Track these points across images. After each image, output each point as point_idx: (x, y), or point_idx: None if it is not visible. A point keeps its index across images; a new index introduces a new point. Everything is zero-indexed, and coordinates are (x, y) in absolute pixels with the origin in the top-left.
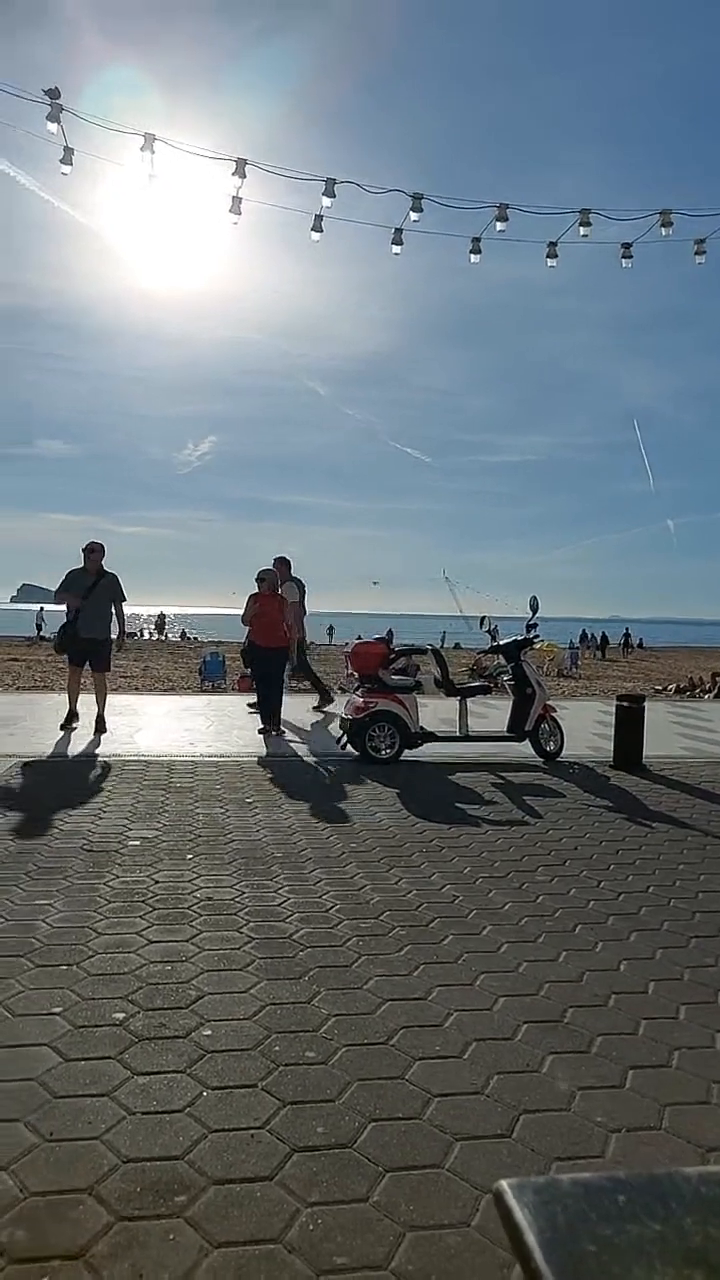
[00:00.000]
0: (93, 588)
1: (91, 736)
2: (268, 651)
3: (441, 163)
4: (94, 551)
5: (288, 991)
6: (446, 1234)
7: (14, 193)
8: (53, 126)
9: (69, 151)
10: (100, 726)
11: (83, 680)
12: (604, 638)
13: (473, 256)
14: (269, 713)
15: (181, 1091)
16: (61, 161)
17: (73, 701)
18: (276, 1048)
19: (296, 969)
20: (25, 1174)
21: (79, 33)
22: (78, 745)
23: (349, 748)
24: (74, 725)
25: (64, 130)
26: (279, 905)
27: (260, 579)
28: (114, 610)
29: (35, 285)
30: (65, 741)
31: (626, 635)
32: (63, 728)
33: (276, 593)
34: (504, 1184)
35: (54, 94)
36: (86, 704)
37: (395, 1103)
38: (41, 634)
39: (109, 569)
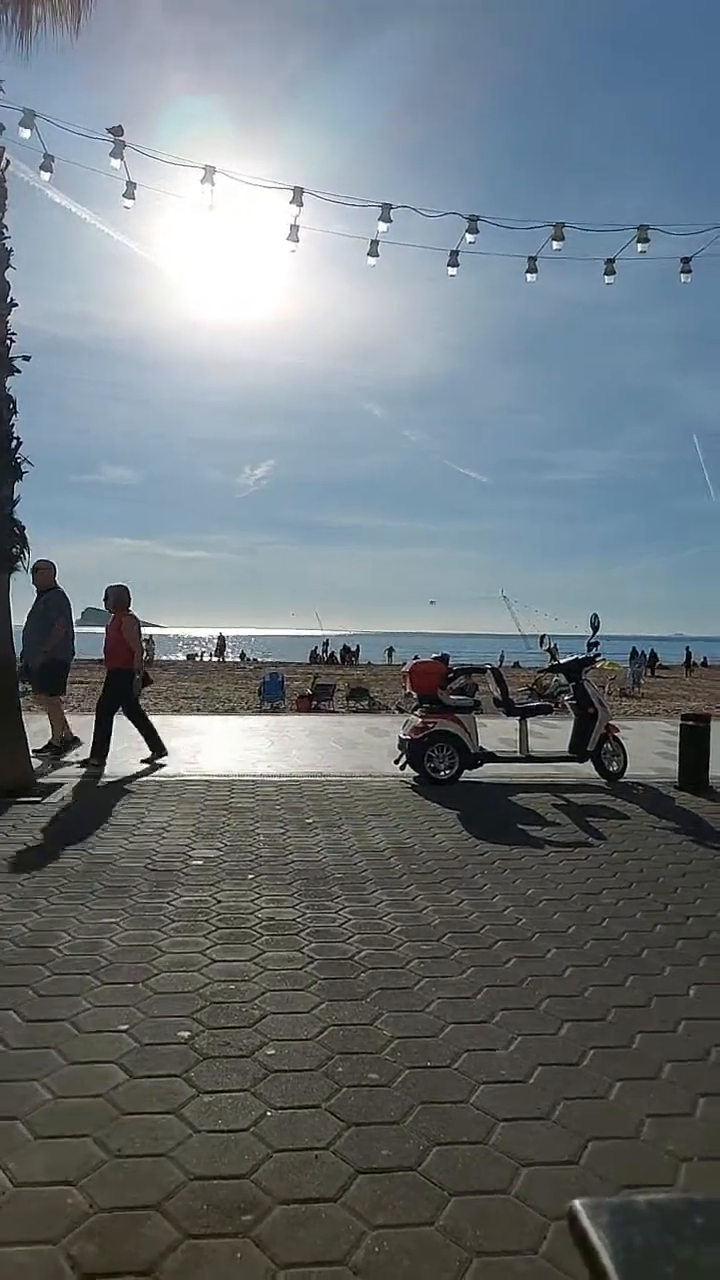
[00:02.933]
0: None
1: (150, 756)
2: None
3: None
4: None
5: (350, 1012)
6: (514, 1261)
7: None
8: (116, 162)
9: (131, 186)
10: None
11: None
12: (653, 655)
13: (528, 276)
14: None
15: (246, 1111)
16: (125, 196)
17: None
18: (339, 1069)
19: (359, 990)
20: (94, 1189)
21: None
22: (140, 765)
23: (407, 768)
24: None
25: (126, 166)
26: (340, 926)
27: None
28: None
29: (99, 316)
30: (127, 761)
31: (689, 654)
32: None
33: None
34: (578, 1204)
35: (117, 131)
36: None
37: (460, 1127)
38: None
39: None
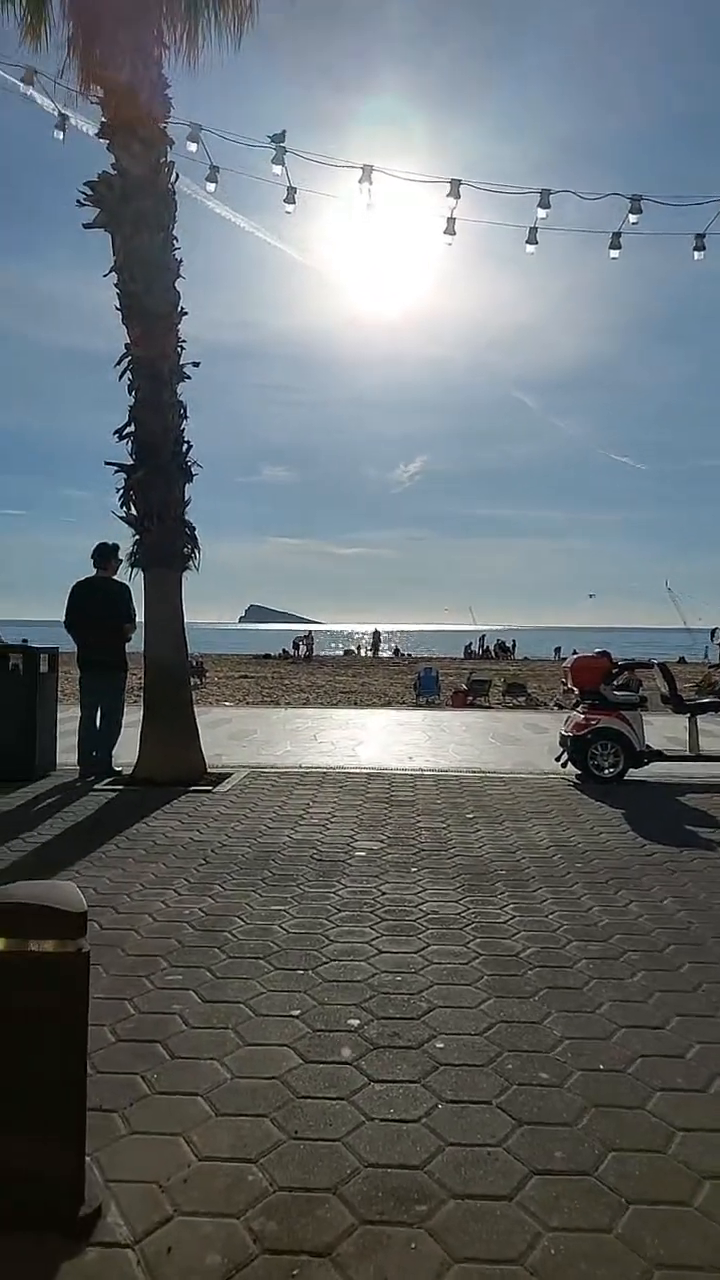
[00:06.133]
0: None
1: (312, 747)
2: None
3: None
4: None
5: (518, 1010)
6: (699, 1276)
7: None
8: (277, 169)
9: (292, 191)
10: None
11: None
12: None
13: (696, 254)
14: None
15: (417, 1102)
16: (285, 201)
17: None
18: (509, 1066)
19: (526, 988)
20: (273, 1168)
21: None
22: (303, 756)
23: (569, 765)
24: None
25: (287, 171)
26: (505, 922)
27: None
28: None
29: (257, 321)
30: (292, 753)
31: None
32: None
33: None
34: None
35: (279, 138)
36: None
37: (637, 1134)
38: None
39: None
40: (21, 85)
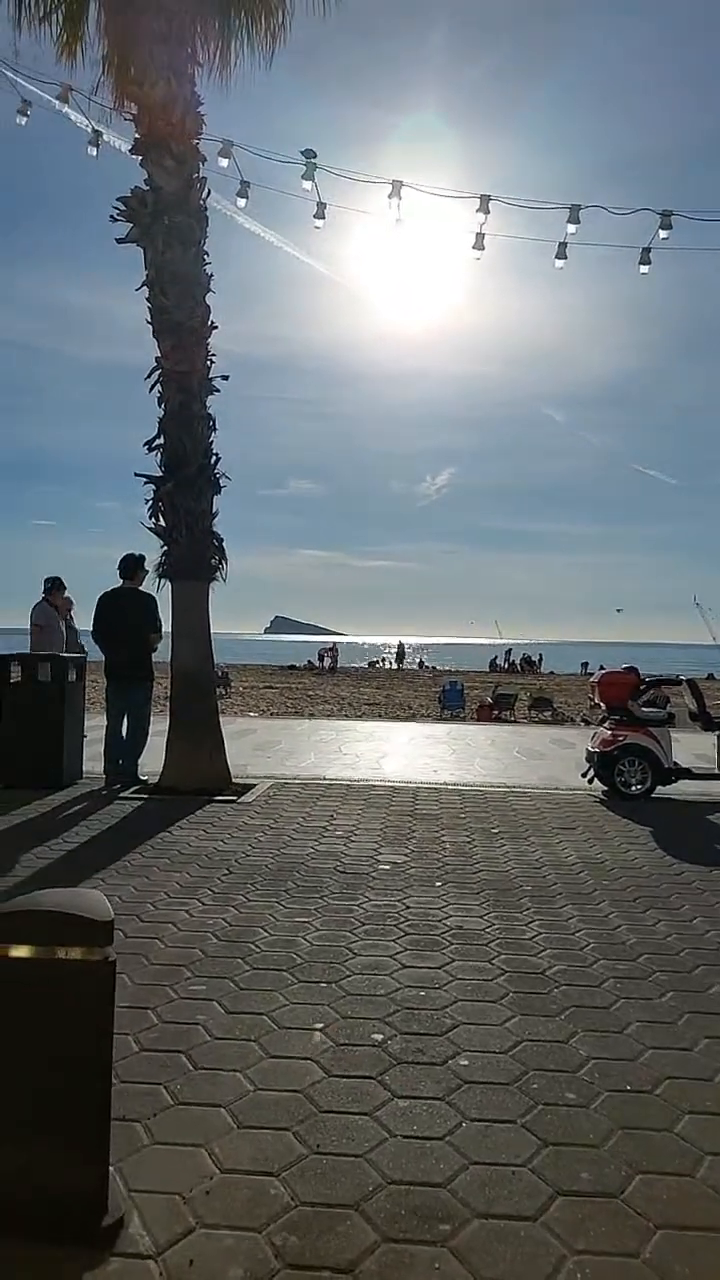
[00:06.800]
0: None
1: (337, 759)
2: None
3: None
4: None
5: (544, 1029)
6: None
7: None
8: (307, 184)
9: (321, 206)
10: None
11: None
12: None
13: None
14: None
15: (441, 1119)
16: (315, 216)
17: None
18: (534, 1085)
19: (552, 1006)
20: (295, 1183)
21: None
22: (328, 768)
23: (595, 782)
24: None
25: (317, 187)
26: (531, 939)
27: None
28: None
29: (284, 335)
30: (317, 765)
31: None
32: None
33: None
34: None
35: (309, 154)
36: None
37: (665, 1157)
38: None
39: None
40: (57, 102)
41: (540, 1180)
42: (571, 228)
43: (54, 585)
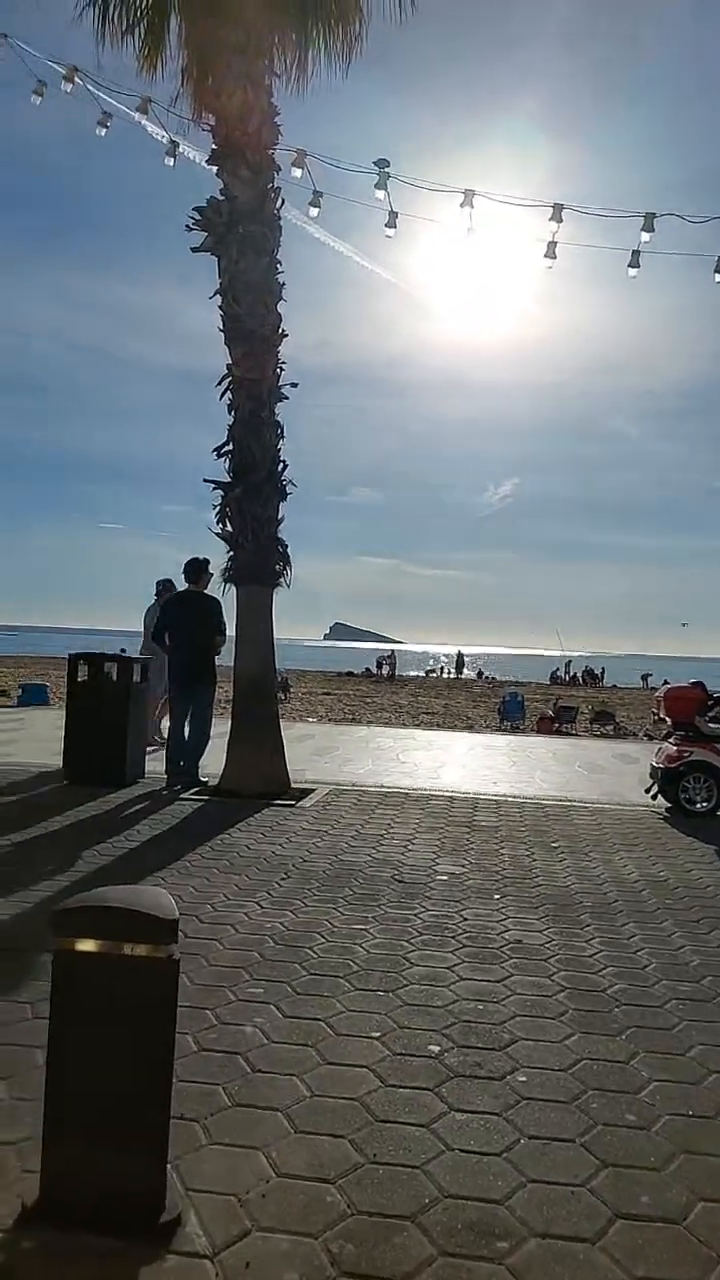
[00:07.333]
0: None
1: (394, 767)
2: None
3: None
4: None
5: (604, 1048)
6: None
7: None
8: (380, 193)
9: (393, 215)
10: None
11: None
12: None
13: None
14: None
15: (499, 1135)
16: (386, 225)
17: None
18: (594, 1105)
19: (613, 1025)
20: (351, 1191)
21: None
22: (385, 776)
23: (659, 798)
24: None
25: (390, 195)
26: (591, 956)
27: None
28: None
29: (352, 344)
30: (375, 772)
31: None
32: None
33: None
34: None
35: (383, 163)
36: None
37: None
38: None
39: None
40: (135, 114)
41: (599, 1201)
42: (645, 236)
43: (165, 587)
